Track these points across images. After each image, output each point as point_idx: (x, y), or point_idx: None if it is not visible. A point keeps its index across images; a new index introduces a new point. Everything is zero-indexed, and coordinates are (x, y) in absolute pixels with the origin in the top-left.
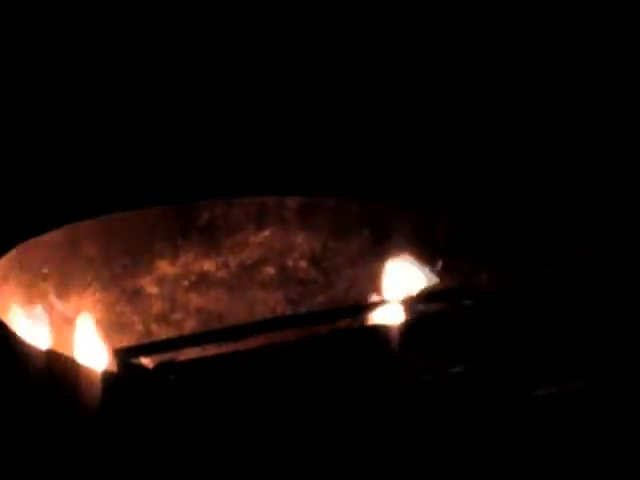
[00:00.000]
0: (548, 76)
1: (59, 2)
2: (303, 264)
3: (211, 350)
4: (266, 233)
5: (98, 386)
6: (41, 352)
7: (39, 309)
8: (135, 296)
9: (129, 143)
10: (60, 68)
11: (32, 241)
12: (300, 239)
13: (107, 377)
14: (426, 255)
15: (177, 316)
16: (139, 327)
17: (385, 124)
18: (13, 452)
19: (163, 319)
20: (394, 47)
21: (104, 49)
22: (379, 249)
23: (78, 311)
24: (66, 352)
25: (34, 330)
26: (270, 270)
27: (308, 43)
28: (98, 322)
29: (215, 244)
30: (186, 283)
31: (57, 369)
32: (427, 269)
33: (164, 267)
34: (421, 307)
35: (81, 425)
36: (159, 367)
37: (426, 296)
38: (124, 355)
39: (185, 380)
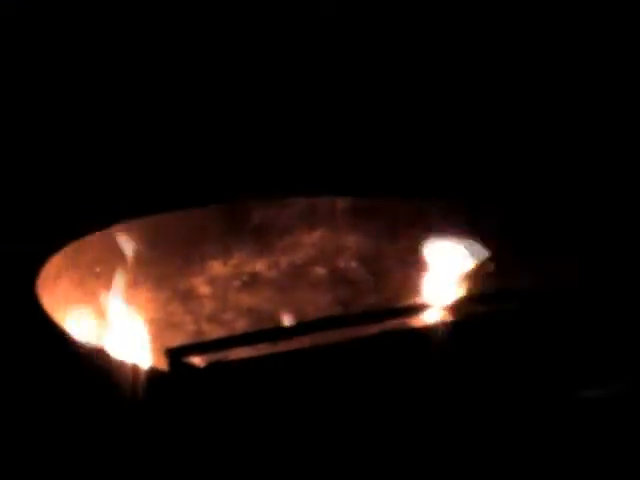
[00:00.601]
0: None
1: (59, 2)
2: (354, 265)
3: (262, 350)
4: (317, 234)
5: (149, 385)
6: (92, 351)
7: (90, 308)
8: (187, 296)
9: (182, 143)
10: (66, 67)
11: (84, 240)
12: (351, 240)
13: (158, 376)
14: (477, 257)
15: (228, 316)
16: (190, 326)
17: (425, 124)
18: (63, 448)
19: (214, 319)
20: (394, 47)
21: (114, 48)
22: (429, 250)
23: (129, 310)
24: (117, 351)
25: (85, 328)
26: (321, 271)
27: (308, 43)
28: (150, 321)
29: (267, 244)
30: (237, 283)
31: (107, 368)
32: (477, 271)
33: (216, 267)
34: (470, 309)
35: (131, 424)
36: (210, 366)
37: (475, 299)
38: (175, 354)
39: (235, 379)
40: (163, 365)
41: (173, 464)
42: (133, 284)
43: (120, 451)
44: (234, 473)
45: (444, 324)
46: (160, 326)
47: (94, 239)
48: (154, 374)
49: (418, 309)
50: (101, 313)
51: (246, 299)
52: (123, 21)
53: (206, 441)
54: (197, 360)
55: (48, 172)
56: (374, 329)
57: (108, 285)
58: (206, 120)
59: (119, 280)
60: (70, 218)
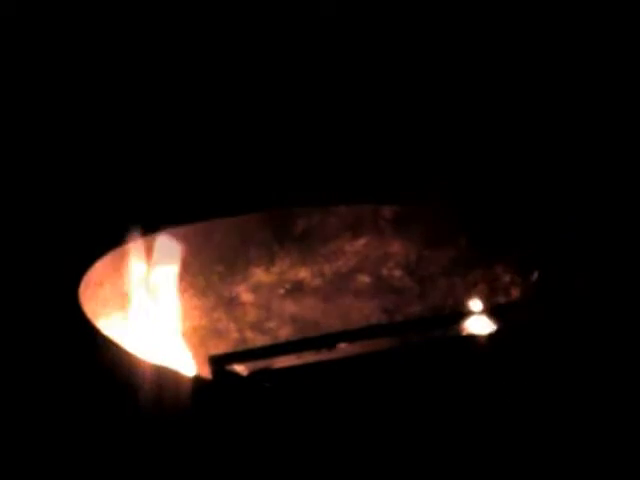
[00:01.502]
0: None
1: (59, 2)
2: (398, 273)
3: (306, 358)
4: (361, 242)
5: (192, 393)
6: (135, 359)
7: (134, 315)
8: (231, 303)
9: (227, 150)
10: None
11: (128, 246)
12: (395, 248)
13: (202, 384)
14: (522, 264)
15: (272, 324)
16: (234, 334)
17: (469, 134)
18: (106, 455)
19: (258, 326)
20: (394, 46)
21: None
22: (475, 257)
23: (174, 317)
24: (161, 358)
25: (128, 336)
26: (365, 278)
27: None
28: (194, 328)
29: (310, 252)
30: (281, 291)
31: (151, 375)
32: (523, 278)
33: (259, 275)
34: (515, 317)
35: (176, 432)
36: (254, 374)
37: (519, 306)
38: (219, 362)
39: (280, 388)
40: (207, 373)
41: (218, 472)
42: (178, 291)
43: (165, 459)
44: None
45: (489, 332)
46: (204, 334)
47: (137, 246)
48: (198, 382)
49: (463, 317)
50: (144, 320)
51: (290, 307)
52: (124, 21)
53: (250, 449)
54: (241, 368)
55: (92, 179)
56: (419, 337)
57: (152, 293)
58: (250, 129)
59: (164, 287)
60: (114, 225)
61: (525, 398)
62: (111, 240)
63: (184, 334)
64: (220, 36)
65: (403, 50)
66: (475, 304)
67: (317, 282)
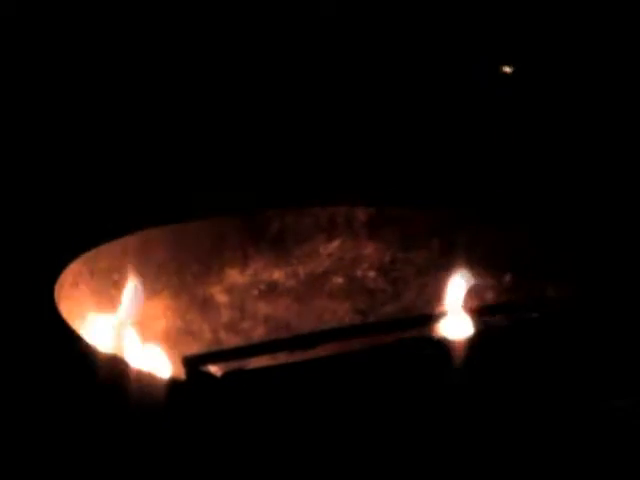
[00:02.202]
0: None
1: (59, 2)
2: (371, 274)
3: (280, 359)
4: (335, 243)
5: (166, 393)
6: (109, 358)
7: (108, 315)
8: (205, 304)
9: (200, 152)
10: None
11: (102, 247)
12: (369, 250)
13: (176, 385)
14: (494, 267)
15: (246, 324)
16: (208, 335)
17: (442, 137)
18: (79, 457)
19: (232, 327)
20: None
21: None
22: (447, 260)
23: (148, 318)
24: (134, 359)
25: (103, 336)
26: (339, 280)
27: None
28: (168, 329)
29: (285, 253)
30: (255, 292)
31: (125, 376)
32: (495, 281)
33: (234, 276)
34: (487, 320)
35: (148, 432)
36: (227, 375)
37: (492, 309)
38: (193, 362)
39: (253, 388)
40: (181, 374)
41: (190, 473)
42: (152, 292)
43: (137, 460)
44: None
45: (461, 334)
46: (178, 334)
47: (112, 247)
48: (172, 383)
49: (435, 318)
50: (118, 321)
51: (264, 308)
52: (124, 21)
53: (223, 450)
54: (214, 369)
55: (65, 180)
56: (392, 338)
57: (126, 293)
58: (223, 130)
59: (137, 288)
60: (88, 226)
61: (498, 400)
62: (86, 241)
63: (158, 335)
64: (217, 37)
65: (393, 51)
66: (447, 306)
67: (291, 283)
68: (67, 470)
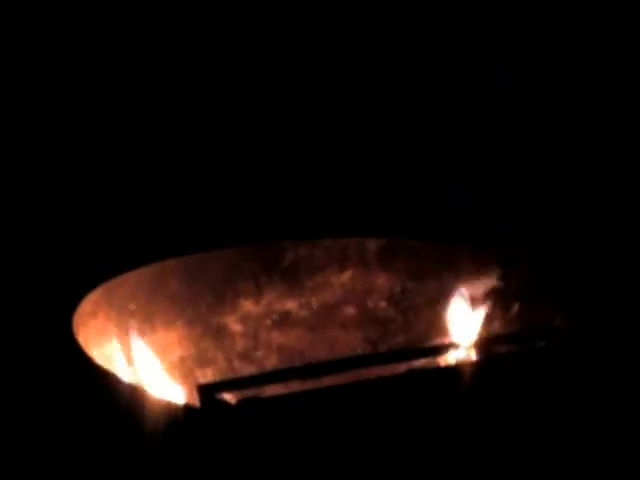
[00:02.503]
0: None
1: (59, 2)
2: (382, 305)
3: (292, 387)
4: (347, 274)
5: (181, 421)
6: (125, 386)
7: (125, 344)
8: (219, 333)
9: (216, 184)
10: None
11: (119, 278)
12: (380, 280)
13: (191, 412)
14: (502, 298)
15: (259, 353)
16: (222, 363)
17: (455, 172)
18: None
19: (246, 356)
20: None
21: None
22: (457, 291)
23: (163, 346)
24: (150, 387)
25: (120, 364)
26: (350, 310)
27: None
28: (183, 358)
29: (297, 284)
30: (269, 322)
31: (141, 403)
32: (503, 312)
33: (247, 306)
34: (495, 350)
35: (165, 459)
36: (241, 403)
37: (501, 339)
38: (208, 390)
39: (266, 416)
40: (196, 401)
41: None
42: (167, 321)
43: None
44: None
45: (470, 363)
46: (193, 363)
47: (129, 277)
48: (187, 410)
49: (445, 348)
50: (136, 349)
51: (277, 337)
52: (125, 22)
53: (236, 476)
54: (229, 397)
55: (85, 212)
56: (402, 368)
57: (143, 322)
58: (240, 162)
59: (153, 317)
60: (105, 257)
61: (506, 429)
62: (103, 272)
63: (173, 363)
64: (216, 40)
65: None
66: (456, 336)
67: (304, 313)
68: None
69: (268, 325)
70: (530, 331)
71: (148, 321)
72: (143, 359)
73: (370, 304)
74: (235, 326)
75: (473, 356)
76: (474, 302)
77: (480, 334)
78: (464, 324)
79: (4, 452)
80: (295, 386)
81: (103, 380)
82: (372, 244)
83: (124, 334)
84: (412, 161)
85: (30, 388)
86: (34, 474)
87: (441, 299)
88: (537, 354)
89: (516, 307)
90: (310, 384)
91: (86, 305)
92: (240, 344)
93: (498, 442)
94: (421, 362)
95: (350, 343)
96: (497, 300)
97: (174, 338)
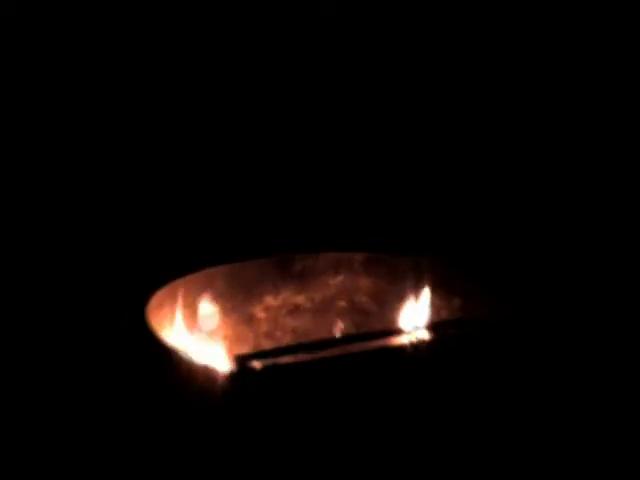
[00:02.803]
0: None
1: (59, 2)
2: (365, 300)
3: (301, 357)
4: (340, 277)
5: (224, 383)
6: (185, 358)
7: (184, 328)
8: (249, 320)
9: (249, 214)
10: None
11: (180, 280)
12: (363, 282)
13: (230, 376)
14: (446, 295)
15: (278, 334)
16: (252, 341)
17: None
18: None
19: (269, 336)
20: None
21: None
22: (419, 290)
23: (211, 329)
24: (200, 356)
25: (183, 343)
26: (342, 303)
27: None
28: (224, 337)
29: (305, 285)
30: (284, 311)
31: (195, 371)
32: (448, 304)
33: (269, 300)
34: (443, 332)
35: (212, 413)
36: (265, 369)
37: (443, 325)
38: (242, 360)
39: (283, 378)
40: (233, 368)
41: (241, 447)
42: (213, 311)
43: (206, 439)
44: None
45: (424, 341)
46: (231, 341)
47: (187, 279)
48: (227, 374)
49: (407, 331)
50: (192, 332)
51: (290, 322)
52: (125, 22)
53: (263, 425)
54: (256, 364)
55: (161, 228)
56: (375, 345)
57: (195, 312)
58: (267, 199)
59: (204, 308)
60: (172, 263)
61: (454, 405)
62: (170, 274)
63: (219, 342)
64: (217, 44)
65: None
66: (413, 323)
67: (309, 305)
68: (153, 459)
69: (284, 313)
70: (464, 320)
71: (199, 311)
72: (196, 339)
73: (356, 299)
74: (260, 314)
75: (426, 336)
76: (429, 297)
77: (429, 321)
78: (421, 313)
79: (77, 429)
80: (303, 357)
81: (171, 355)
82: (358, 256)
83: (184, 320)
84: (386, 196)
85: (113, 367)
86: (106, 444)
87: (406, 296)
88: (472, 337)
89: (458, 301)
90: (313, 355)
91: (156, 299)
92: (264, 327)
93: (445, 416)
94: (389, 340)
95: (342, 327)
96: (444, 295)
97: (220, 324)
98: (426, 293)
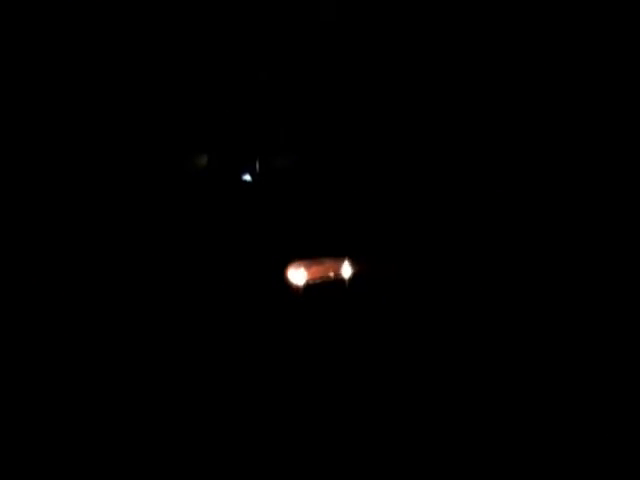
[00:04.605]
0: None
1: (59, 2)
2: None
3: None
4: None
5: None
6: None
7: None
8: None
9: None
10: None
11: (295, 261)
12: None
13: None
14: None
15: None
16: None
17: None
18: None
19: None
20: (394, 51)
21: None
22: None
23: (300, 270)
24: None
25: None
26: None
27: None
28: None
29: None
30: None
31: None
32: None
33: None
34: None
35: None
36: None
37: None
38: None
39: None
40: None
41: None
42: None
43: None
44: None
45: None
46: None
47: (298, 261)
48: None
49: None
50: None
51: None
52: (125, 22)
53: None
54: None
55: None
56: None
57: (297, 268)
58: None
59: (301, 266)
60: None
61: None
62: (285, 261)
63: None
64: (217, 45)
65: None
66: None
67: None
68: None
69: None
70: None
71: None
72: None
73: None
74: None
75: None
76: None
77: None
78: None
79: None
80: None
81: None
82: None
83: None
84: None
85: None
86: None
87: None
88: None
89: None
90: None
91: (290, 266)
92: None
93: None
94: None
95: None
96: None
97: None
98: (345, 267)
